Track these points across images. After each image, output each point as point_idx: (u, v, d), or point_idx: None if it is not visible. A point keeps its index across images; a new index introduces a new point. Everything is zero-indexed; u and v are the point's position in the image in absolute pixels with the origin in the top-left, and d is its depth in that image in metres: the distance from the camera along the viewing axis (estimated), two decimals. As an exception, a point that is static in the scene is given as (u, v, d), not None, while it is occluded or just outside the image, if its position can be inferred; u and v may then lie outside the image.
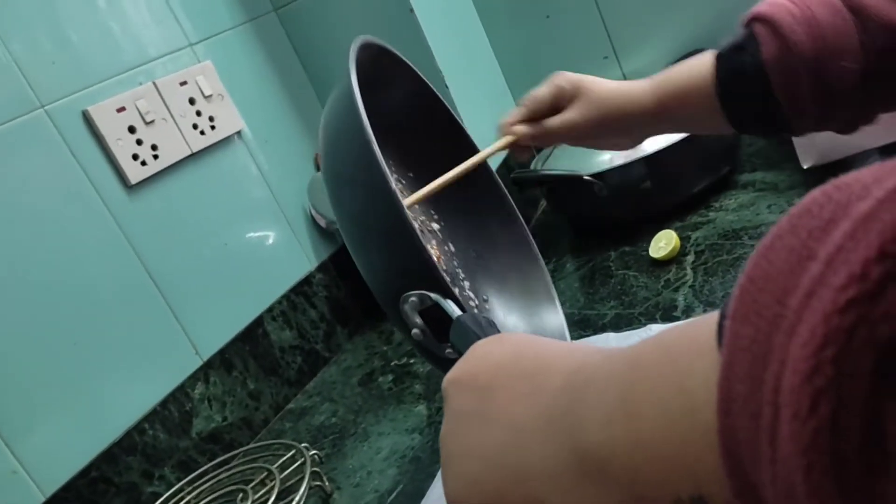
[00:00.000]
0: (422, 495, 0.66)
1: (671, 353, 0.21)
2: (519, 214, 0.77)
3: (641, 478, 0.21)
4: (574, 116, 0.64)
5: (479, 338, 0.39)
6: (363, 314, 1.12)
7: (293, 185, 1.07)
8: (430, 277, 0.48)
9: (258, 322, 0.97)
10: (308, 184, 1.08)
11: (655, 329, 0.74)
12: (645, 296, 0.81)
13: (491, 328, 0.42)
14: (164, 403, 0.84)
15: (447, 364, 0.52)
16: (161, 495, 0.81)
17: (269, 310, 0.99)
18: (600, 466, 0.22)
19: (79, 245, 0.81)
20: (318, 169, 1.11)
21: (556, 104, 0.65)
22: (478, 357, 0.33)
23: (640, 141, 0.66)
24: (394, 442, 0.78)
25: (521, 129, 0.66)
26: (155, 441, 0.83)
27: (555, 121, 0.65)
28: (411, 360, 0.94)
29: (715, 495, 0.19)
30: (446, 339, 0.45)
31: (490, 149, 0.67)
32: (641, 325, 0.76)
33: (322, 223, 1.07)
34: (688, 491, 0.19)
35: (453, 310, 0.45)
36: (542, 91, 0.66)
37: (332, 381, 0.99)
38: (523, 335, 0.33)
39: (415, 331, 0.48)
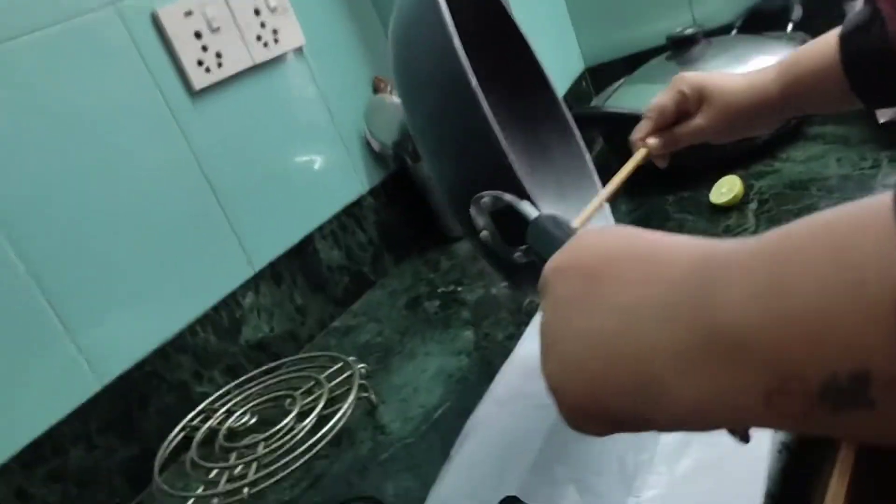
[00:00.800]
0: (469, 413, 0.67)
1: (829, 231, 0.20)
2: (576, 129, 0.76)
3: (789, 356, 0.20)
4: (702, 123, 0.64)
5: (558, 238, 0.38)
6: (411, 242, 1.12)
7: (350, 106, 1.07)
8: (506, 178, 0.47)
9: (309, 239, 0.98)
10: (365, 106, 1.08)
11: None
12: (704, 239, 0.79)
13: (570, 229, 0.41)
14: (216, 308, 0.86)
15: (513, 270, 0.52)
16: (209, 395, 0.83)
17: (320, 228, 0.99)
18: (735, 345, 0.22)
19: (143, 146, 0.81)
20: (375, 92, 1.10)
21: (681, 110, 0.65)
22: (584, 245, 0.33)
23: (771, 129, 0.66)
24: (441, 362, 0.79)
25: (653, 141, 0.66)
26: (206, 344, 0.84)
27: (684, 129, 0.65)
28: (459, 288, 0.94)
29: (881, 370, 0.18)
30: (516, 242, 0.45)
31: (629, 165, 0.65)
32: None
33: (376, 147, 1.07)
34: (847, 367, 0.19)
35: (530, 210, 0.45)
36: (665, 100, 0.65)
37: (378, 302, 1.00)
38: (633, 228, 0.33)
39: (484, 233, 0.47)
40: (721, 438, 0.52)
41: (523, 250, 0.45)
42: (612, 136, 1.04)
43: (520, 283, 0.60)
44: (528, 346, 0.75)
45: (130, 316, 0.79)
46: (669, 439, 0.54)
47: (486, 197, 0.47)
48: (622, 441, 0.56)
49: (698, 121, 0.64)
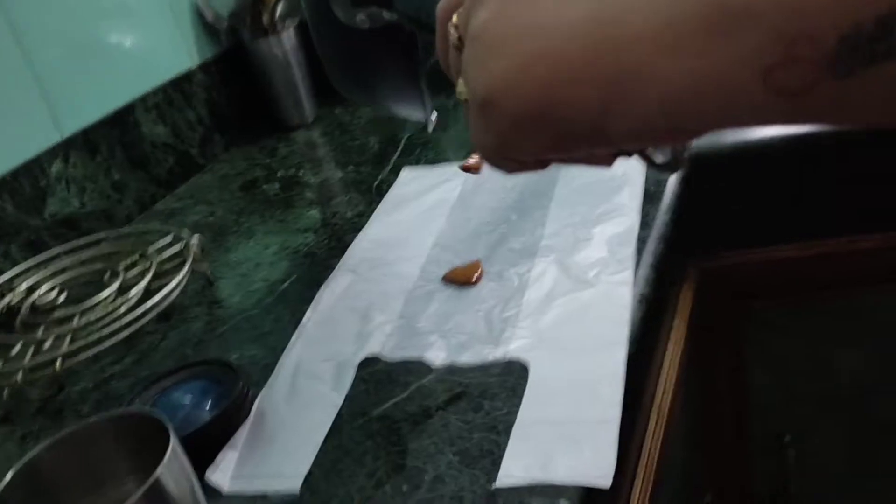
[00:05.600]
0: (319, 284, 0.63)
1: None
2: None
3: (803, 9, 0.18)
4: None
5: None
6: (244, 127, 1.03)
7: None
8: None
9: (129, 109, 0.86)
10: (197, -30, 0.96)
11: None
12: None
13: None
14: (15, 174, 0.74)
15: (341, 54, 0.48)
16: (3, 272, 0.71)
17: (143, 99, 0.88)
18: (740, 9, 0.19)
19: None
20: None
21: None
22: None
23: None
24: (285, 239, 0.73)
25: None
26: (2, 213, 0.72)
27: None
28: (300, 172, 0.88)
29: None
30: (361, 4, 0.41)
31: None
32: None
33: (209, 17, 0.96)
34: (872, 11, 0.17)
35: None
36: None
37: (208, 186, 0.91)
38: None
39: None
40: (583, 293, 0.53)
41: (368, 13, 0.41)
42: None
43: (340, 78, 0.55)
44: (383, 219, 0.72)
45: None
46: (534, 295, 0.54)
47: None
48: (488, 300, 0.55)
49: None
